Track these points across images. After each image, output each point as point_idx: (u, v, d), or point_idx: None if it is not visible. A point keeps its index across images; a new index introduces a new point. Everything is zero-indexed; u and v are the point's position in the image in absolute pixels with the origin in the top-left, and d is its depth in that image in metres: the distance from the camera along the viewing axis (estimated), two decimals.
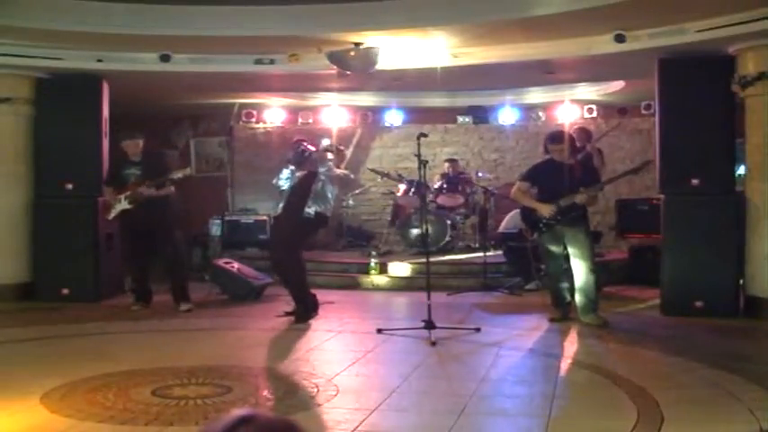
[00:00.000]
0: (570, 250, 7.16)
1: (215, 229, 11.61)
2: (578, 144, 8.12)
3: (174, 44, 8.11)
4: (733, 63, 7.57)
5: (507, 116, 12.44)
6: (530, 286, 9.23)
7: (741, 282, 7.65)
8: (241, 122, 12.71)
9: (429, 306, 6.71)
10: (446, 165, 11.51)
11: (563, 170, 7.16)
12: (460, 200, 11.14)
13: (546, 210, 7.11)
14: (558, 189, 7.09)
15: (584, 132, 9.00)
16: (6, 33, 7.71)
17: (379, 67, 8.16)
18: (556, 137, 7.42)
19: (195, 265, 10.94)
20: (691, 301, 7.57)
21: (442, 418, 4.42)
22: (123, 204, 7.92)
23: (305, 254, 8.18)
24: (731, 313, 7.46)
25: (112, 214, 8.03)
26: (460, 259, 10.37)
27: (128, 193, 7.90)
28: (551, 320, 7.33)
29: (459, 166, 11.67)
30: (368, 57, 7.98)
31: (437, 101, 12.45)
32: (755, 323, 7.30)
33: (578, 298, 7.17)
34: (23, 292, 8.66)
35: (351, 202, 11.99)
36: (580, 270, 7.10)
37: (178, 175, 8.02)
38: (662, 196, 7.97)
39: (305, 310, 7.48)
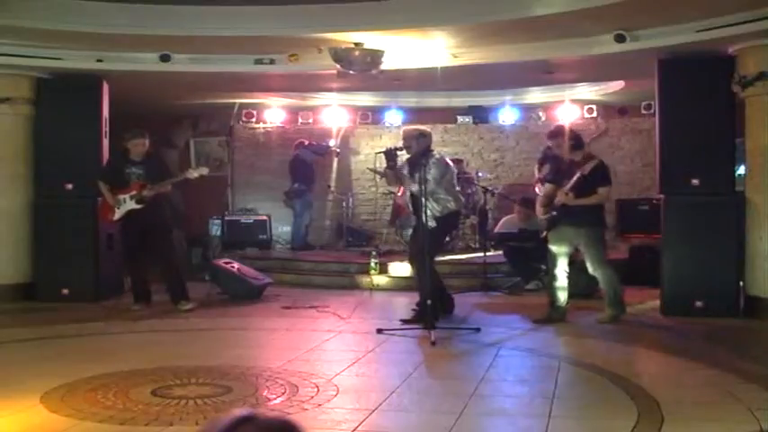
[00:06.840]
0: None
1: (215, 229, 11.61)
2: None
3: (174, 44, 8.10)
4: (733, 63, 7.57)
5: (507, 116, 12.45)
6: (530, 286, 9.22)
7: (741, 282, 7.65)
8: (241, 122, 12.71)
9: (429, 306, 6.70)
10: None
11: (566, 166, 7.26)
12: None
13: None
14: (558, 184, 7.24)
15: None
16: (6, 33, 7.70)
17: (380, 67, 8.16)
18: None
19: (195, 265, 10.95)
20: (691, 301, 7.56)
21: (442, 418, 4.41)
22: (130, 204, 7.88)
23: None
24: (731, 313, 7.45)
25: (118, 215, 7.95)
26: (460, 259, 10.36)
27: (133, 192, 7.88)
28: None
29: (463, 165, 11.62)
30: (373, 58, 7.97)
31: (437, 101, 12.45)
32: (755, 323, 7.30)
33: None
34: (23, 292, 8.65)
35: (351, 201, 11.97)
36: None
37: (194, 174, 8.01)
38: (662, 196, 7.97)
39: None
